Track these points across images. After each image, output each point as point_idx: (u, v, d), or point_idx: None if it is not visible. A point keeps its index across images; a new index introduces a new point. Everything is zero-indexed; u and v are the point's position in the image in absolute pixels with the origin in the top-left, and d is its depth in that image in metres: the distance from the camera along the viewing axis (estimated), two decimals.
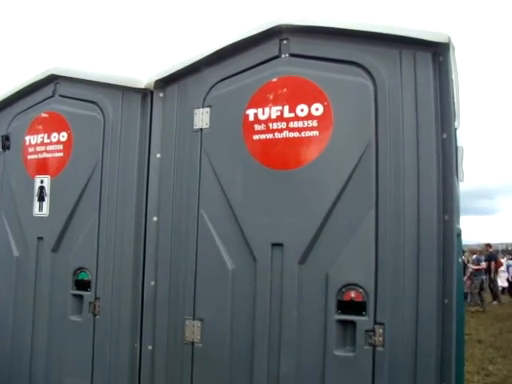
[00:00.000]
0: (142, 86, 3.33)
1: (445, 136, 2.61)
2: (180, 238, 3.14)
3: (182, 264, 3.11)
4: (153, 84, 3.29)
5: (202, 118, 3.12)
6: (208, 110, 3.11)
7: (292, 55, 2.95)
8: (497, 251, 20.78)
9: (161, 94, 3.31)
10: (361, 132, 2.74)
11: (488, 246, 19.84)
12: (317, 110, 2.83)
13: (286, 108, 2.89)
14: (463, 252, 18.04)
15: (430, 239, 2.58)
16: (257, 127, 2.96)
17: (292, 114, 2.87)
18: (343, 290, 2.71)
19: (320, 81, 2.84)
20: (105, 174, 3.41)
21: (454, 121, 2.76)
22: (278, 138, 2.89)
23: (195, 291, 3.04)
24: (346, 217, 2.74)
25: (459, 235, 2.95)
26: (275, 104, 2.93)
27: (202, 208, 3.06)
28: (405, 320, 2.58)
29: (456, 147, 2.94)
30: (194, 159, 3.12)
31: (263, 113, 2.96)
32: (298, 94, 2.88)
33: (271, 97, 2.94)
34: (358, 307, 2.67)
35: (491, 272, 18.02)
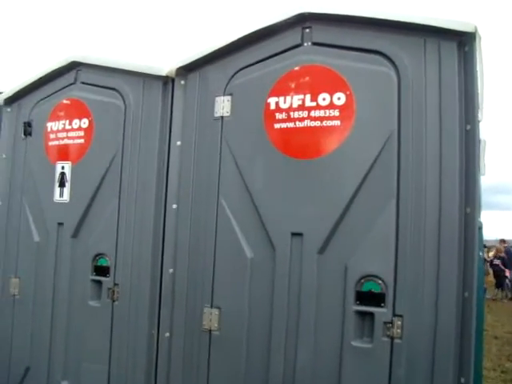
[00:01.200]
0: (163, 73, 3.32)
1: (468, 127, 2.56)
2: (199, 226, 3.14)
3: (200, 252, 3.12)
4: (174, 71, 3.28)
5: (222, 105, 3.10)
6: (229, 97, 3.09)
7: (314, 44, 2.91)
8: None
9: (182, 82, 3.30)
10: (383, 122, 2.71)
11: (502, 241, 19.63)
12: (339, 99, 2.80)
13: (308, 97, 2.86)
14: (484, 246, 17.93)
15: (451, 232, 2.54)
16: (278, 116, 2.94)
17: (314, 103, 2.84)
18: (362, 280, 2.68)
19: (342, 70, 2.81)
20: (125, 161, 3.42)
21: (478, 113, 2.71)
22: (300, 127, 2.87)
23: (213, 279, 3.05)
24: (366, 207, 2.71)
25: (480, 228, 2.91)
26: (297, 93, 2.90)
27: (222, 196, 3.06)
28: (424, 313, 2.55)
29: (479, 139, 2.89)
30: (214, 147, 3.11)
31: (285, 101, 2.93)
32: (320, 82, 2.85)
33: (293, 85, 2.91)
34: (376, 298, 2.65)
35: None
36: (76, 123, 3.65)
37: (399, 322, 2.59)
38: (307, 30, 2.93)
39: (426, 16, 2.66)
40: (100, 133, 3.54)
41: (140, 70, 3.42)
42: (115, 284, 3.39)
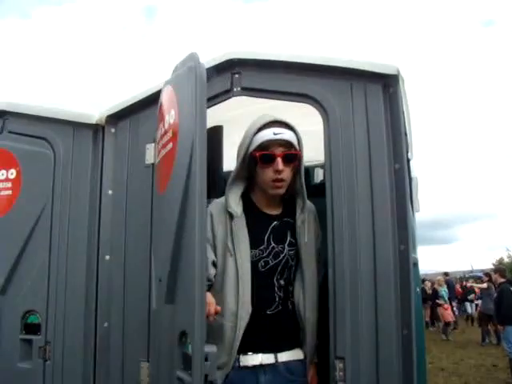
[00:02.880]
0: (93, 121, 3.25)
1: (397, 166, 2.61)
2: (133, 277, 3.02)
3: (136, 303, 2.98)
4: (104, 119, 3.22)
5: (153, 152, 3.03)
6: None
7: (243, 89, 2.93)
8: (455, 279, 21.86)
9: (112, 130, 3.24)
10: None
11: (445, 274, 20.72)
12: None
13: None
14: (423, 281, 18.61)
15: (386, 270, 2.53)
16: None
17: None
18: None
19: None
20: (55, 212, 3.27)
21: (407, 152, 2.77)
22: None
23: (149, 332, 2.88)
24: None
25: (416, 264, 2.94)
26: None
27: (154, 246, 2.90)
28: (365, 353, 2.50)
29: (410, 177, 2.95)
30: (145, 195, 3.02)
31: None
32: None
33: None
34: None
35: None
36: (3, 174, 3.48)
37: (341, 365, 2.52)
38: (236, 76, 2.94)
39: (352, 60, 2.73)
40: (29, 184, 3.39)
41: (69, 119, 3.34)
42: (47, 342, 3.18)
